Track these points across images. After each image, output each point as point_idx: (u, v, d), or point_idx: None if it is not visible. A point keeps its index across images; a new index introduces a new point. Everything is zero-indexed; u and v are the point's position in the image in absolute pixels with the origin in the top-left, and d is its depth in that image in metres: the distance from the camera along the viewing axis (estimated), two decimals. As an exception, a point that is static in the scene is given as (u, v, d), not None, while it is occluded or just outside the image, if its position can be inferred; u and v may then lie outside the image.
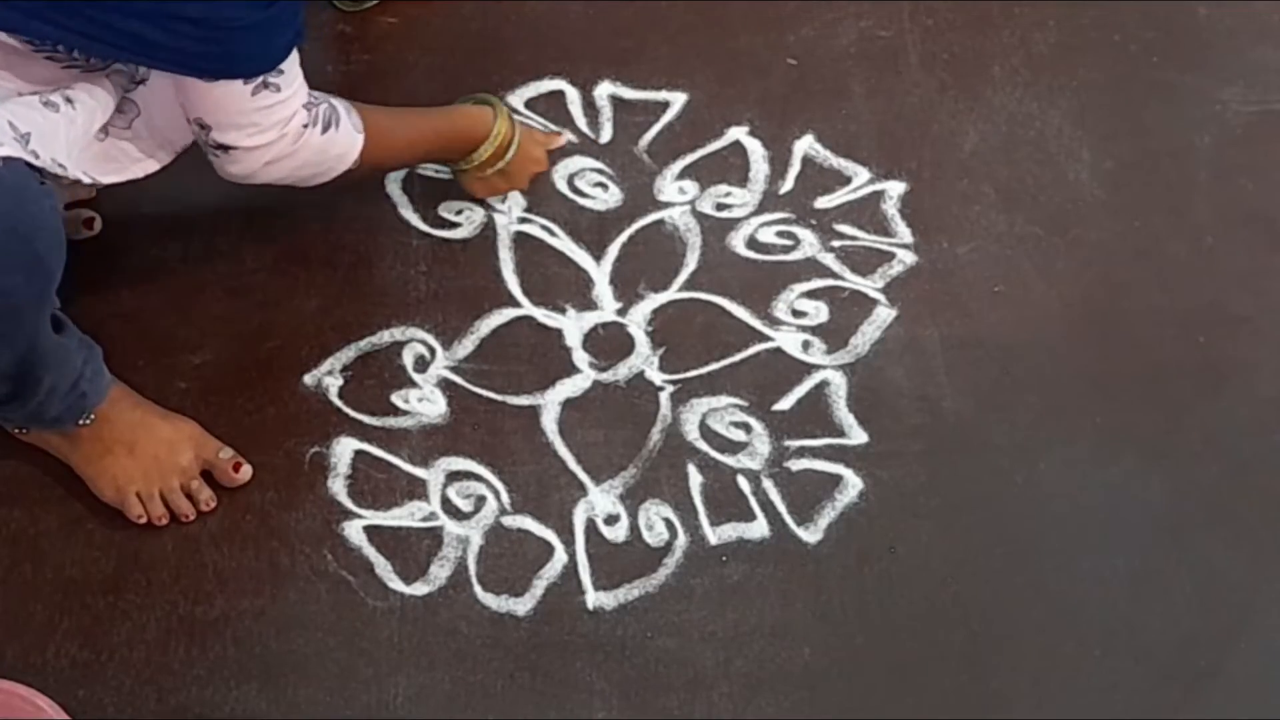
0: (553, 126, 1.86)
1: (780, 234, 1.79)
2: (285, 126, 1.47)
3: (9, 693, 1.33)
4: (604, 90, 1.90)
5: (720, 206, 1.81)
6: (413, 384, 1.66)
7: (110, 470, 1.52)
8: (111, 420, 1.51)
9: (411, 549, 1.55)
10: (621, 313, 1.72)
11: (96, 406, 1.50)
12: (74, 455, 1.53)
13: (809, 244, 1.78)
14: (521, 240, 1.77)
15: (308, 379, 1.65)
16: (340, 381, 1.65)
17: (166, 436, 1.54)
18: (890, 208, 1.81)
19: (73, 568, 1.52)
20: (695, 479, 1.61)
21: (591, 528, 1.57)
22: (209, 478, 1.56)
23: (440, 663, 1.48)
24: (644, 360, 1.69)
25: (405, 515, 1.57)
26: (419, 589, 1.53)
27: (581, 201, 1.81)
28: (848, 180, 1.84)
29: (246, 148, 1.46)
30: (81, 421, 1.50)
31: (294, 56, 1.44)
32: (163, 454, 1.53)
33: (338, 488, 1.58)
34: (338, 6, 1.94)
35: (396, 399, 1.64)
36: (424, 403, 1.64)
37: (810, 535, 1.57)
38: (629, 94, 1.90)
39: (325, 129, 1.52)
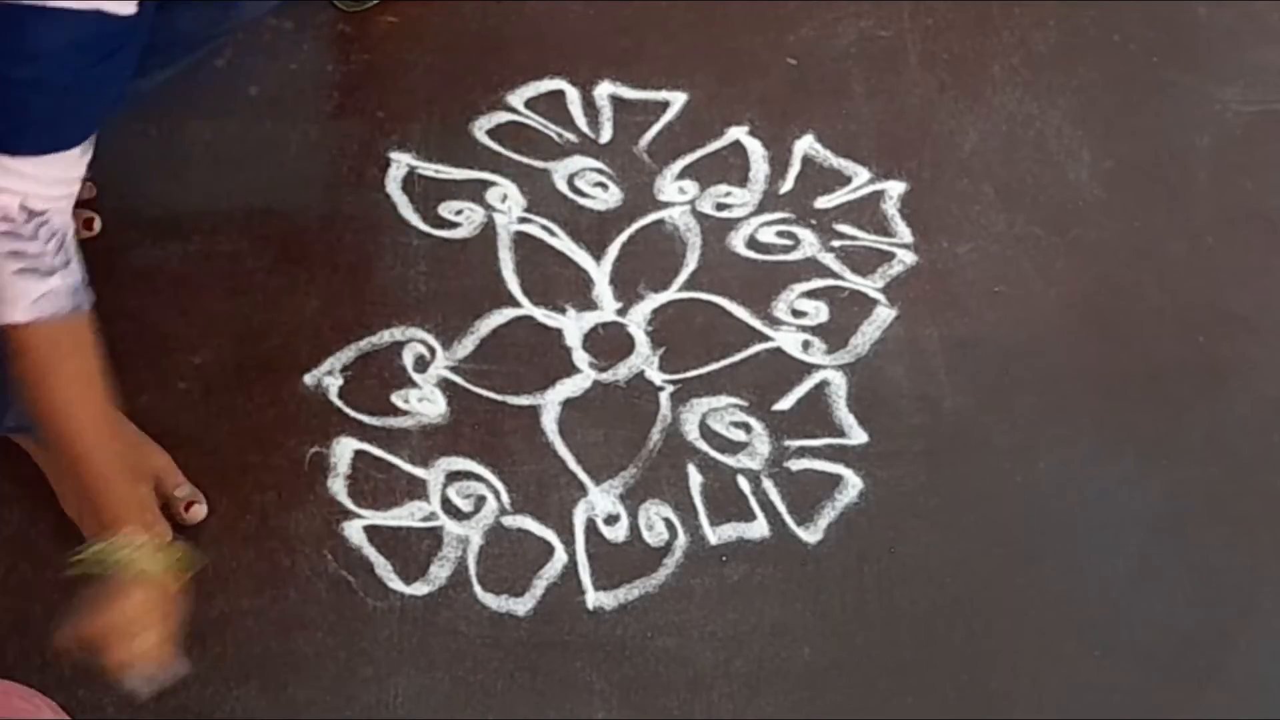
0: (553, 126, 1.86)
1: (780, 234, 1.79)
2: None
3: (9, 693, 1.33)
4: (604, 90, 1.90)
5: (720, 206, 1.81)
6: (413, 384, 1.66)
7: (74, 488, 1.49)
8: None
9: (411, 549, 1.55)
10: (621, 313, 1.72)
11: None
12: (48, 466, 1.53)
13: (809, 244, 1.78)
14: (521, 240, 1.77)
15: (308, 379, 1.65)
16: (340, 381, 1.65)
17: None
18: (890, 208, 1.81)
19: (73, 568, 1.52)
20: (695, 479, 1.61)
21: (591, 528, 1.57)
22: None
23: (440, 663, 1.48)
24: (644, 360, 1.69)
25: (405, 515, 1.57)
26: (419, 589, 1.53)
27: (581, 201, 1.81)
28: (848, 180, 1.84)
29: None
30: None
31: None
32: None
33: (338, 488, 1.58)
34: (338, 6, 1.94)
35: (396, 399, 1.64)
36: (424, 403, 1.64)
37: (810, 535, 1.57)
38: (629, 94, 1.90)
39: (21, 269, 1.20)
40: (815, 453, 1.63)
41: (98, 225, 1.72)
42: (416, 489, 1.59)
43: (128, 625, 1.27)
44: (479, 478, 1.60)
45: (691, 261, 1.76)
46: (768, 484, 1.61)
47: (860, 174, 1.84)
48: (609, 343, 1.70)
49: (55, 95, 1.18)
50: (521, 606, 1.52)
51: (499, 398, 1.65)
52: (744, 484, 1.61)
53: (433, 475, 1.60)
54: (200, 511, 1.54)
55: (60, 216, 1.23)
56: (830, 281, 1.75)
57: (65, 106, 1.20)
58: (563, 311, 1.72)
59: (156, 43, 1.34)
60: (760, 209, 1.81)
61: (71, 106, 1.20)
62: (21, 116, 1.17)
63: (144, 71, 1.36)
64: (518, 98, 1.88)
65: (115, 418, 1.51)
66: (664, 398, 1.66)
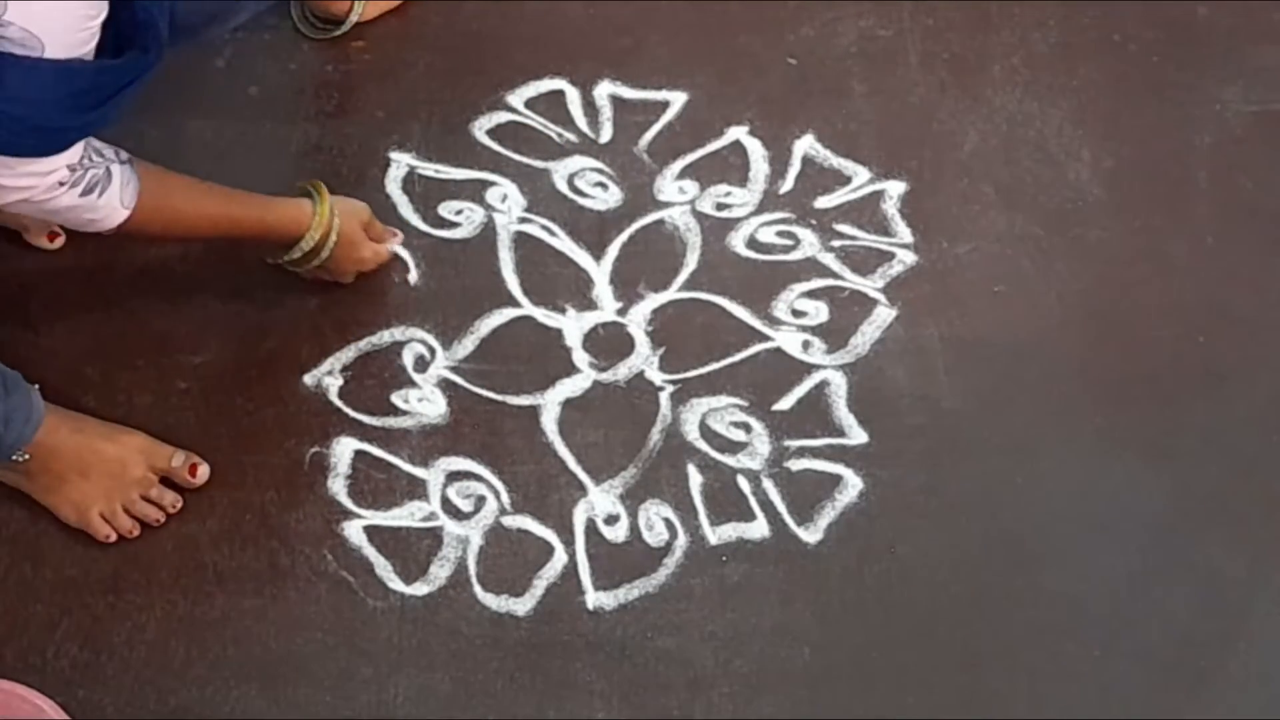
0: (553, 126, 1.86)
1: (780, 234, 1.79)
2: (39, 179, 1.38)
3: (9, 693, 1.33)
4: (604, 90, 1.90)
5: (720, 206, 1.81)
6: (413, 384, 1.66)
7: (69, 497, 1.52)
8: (56, 450, 1.50)
9: (411, 549, 1.55)
10: (621, 313, 1.72)
11: (23, 446, 1.48)
12: (30, 487, 1.53)
13: (809, 244, 1.78)
14: (521, 240, 1.77)
15: (308, 379, 1.65)
16: (340, 381, 1.65)
17: (115, 454, 1.52)
18: (890, 207, 1.81)
19: (73, 568, 1.52)
20: (695, 479, 1.61)
21: (591, 528, 1.57)
22: (170, 482, 1.55)
23: (440, 663, 1.48)
24: (644, 360, 1.69)
25: (405, 515, 1.57)
26: (419, 589, 1.53)
27: (581, 201, 1.81)
28: (848, 180, 1.84)
29: None
30: (16, 459, 1.49)
31: None
32: (116, 471, 1.52)
33: (338, 488, 1.58)
34: (306, 35, 1.91)
35: (396, 399, 1.64)
36: (424, 403, 1.64)
37: (810, 535, 1.57)
38: (629, 94, 1.90)
39: (86, 193, 1.42)
40: (815, 453, 1.63)
41: (60, 241, 1.71)
42: (416, 489, 1.59)
43: (362, 239, 1.67)
44: (479, 478, 1.60)
45: (691, 261, 1.76)
46: (768, 484, 1.61)
47: (860, 174, 1.84)
48: (609, 343, 1.70)
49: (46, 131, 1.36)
50: (521, 606, 1.52)
51: (499, 398, 1.65)
52: (744, 484, 1.60)
53: (433, 475, 1.60)
54: (204, 472, 1.56)
55: (90, 156, 1.42)
56: (830, 281, 1.75)
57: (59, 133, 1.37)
58: (563, 311, 1.72)
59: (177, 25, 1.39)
60: (760, 209, 1.81)
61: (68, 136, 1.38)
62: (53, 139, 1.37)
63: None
64: (518, 98, 1.88)
65: (80, 419, 1.52)
66: (664, 398, 1.66)
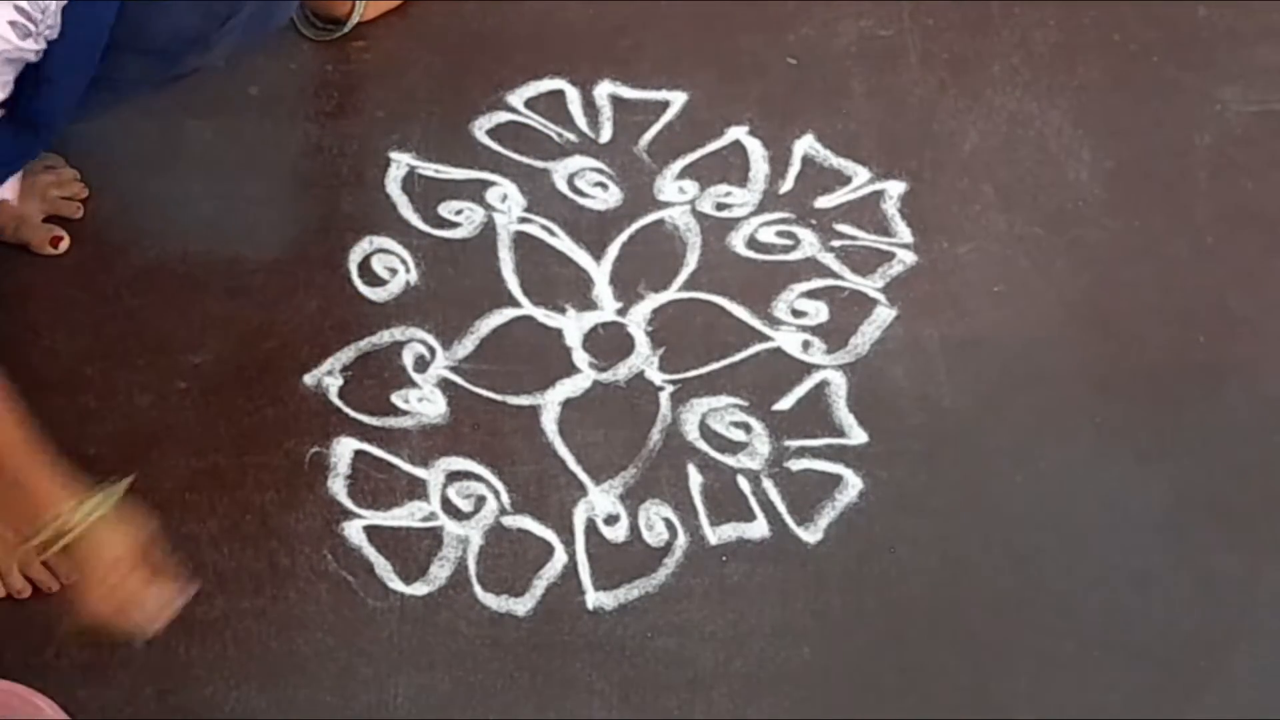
0: (553, 126, 1.86)
1: (780, 234, 1.79)
2: None
3: (9, 693, 1.33)
4: (604, 90, 1.90)
5: (720, 206, 1.81)
6: (413, 384, 1.66)
7: None
8: None
9: (411, 549, 1.55)
10: (621, 313, 1.72)
11: None
12: None
13: (809, 244, 1.78)
14: (521, 240, 1.77)
15: (308, 379, 1.65)
16: (340, 381, 1.65)
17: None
18: (890, 207, 1.81)
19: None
20: (695, 479, 1.61)
21: (591, 528, 1.57)
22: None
23: (440, 663, 1.48)
24: (644, 360, 1.69)
25: (405, 515, 1.57)
26: (419, 589, 1.53)
27: (581, 201, 1.81)
28: (848, 180, 1.84)
29: None
30: None
31: None
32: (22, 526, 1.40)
33: (338, 488, 1.58)
34: (308, 36, 1.91)
35: (396, 399, 1.64)
36: (424, 403, 1.64)
37: (810, 535, 1.57)
38: (629, 94, 1.90)
39: None
40: (815, 453, 1.63)
41: (64, 245, 1.71)
42: (416, 489, 1.59)
43: (121, 573, 1.29)
44: (479, 478, 1.60)
45: (691, 261, 1.76)
46: (768, 484, 1.61)
47: (860, 174, 1.84)
48: (609, 343, 1.70)
49: None
50: (521, 606, 1.52)
51: (499, 398, 1.65)
52: (744, 484, 1.61)
53: (433, 475, 1.60)
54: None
55: None
56: (830, 281, 1.75)
57: None
58: (563, 311, 1.72)
59: (103, 82, 1.36)
60: (760, 209, 1.81)
61: None
62: None
63: (87, 107, 1.40)
64: (518, 98, 1.88)
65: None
66: (664, 398, 1.66)
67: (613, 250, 1.76)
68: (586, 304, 1.72)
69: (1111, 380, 1.69)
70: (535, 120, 1.87)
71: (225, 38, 1.54)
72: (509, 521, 1.58)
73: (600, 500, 1.59)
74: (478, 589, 1.53)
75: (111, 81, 1.45)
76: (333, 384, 1.65)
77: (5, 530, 1.48)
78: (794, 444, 1.63)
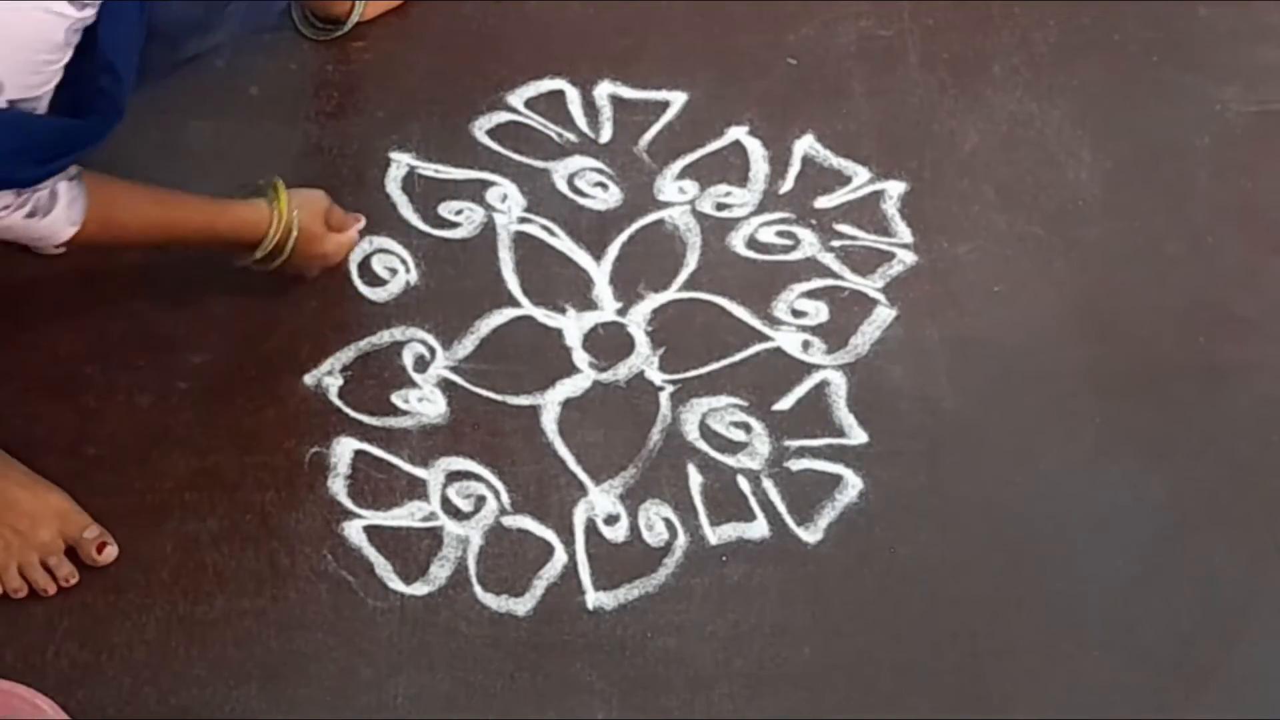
0: (553, 126, 1.86)
1: (780, 234, 1.79)
2: None
3: (9, 693, 1.33)
4: (604, 90, 1.90)
5: (720, 206, 1.81)
6: (413, 384, 1.66)
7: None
8: None
9: (411, 549, 1.55)
10: (621, 313, 1.72)
11: None
12: None
13: (809, 244, 1.78)
14: (521, 240, 1.77)
15: (308, 379, 1.65)
16: (340, 381, 1.65)
17: (28, 510, 1.49)
18: (890, 207, 1.81)
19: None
20: (695, 479, 1.61)
21: (591, 528, 1.57)
22: (74, 554, 1.50)
23: (440, 663, 1.48)
24: (644, 360, 1.69)
25: (405, 515, 1.57)
26: (419, 589, 1.53)
27: (581, 201, 1.81)
28: (848, 180, 1.84)
29: None
30: None
31: None
32: (24, 527, 1.48)
33: (338, 488, 1.58)
34: (307, 36, 1.91)
35: (396, 399, 1.64)
36: (424, 403, 1.64)
37: (810, 535, 1.57)
38: (629, 94, 1.90)
39: (30, 215, 1.40)
40: (815, 453, 1.63)
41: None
42: (416, 489, 1.59)
43: (321, 233, 1.64)
44: (479, 478, 1.60)
45: (691, 261, 1.76)
46: (768, 484, 1.61)
47: (860, 174, 1.84)
48: (609, 343, 1.70)
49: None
50: (521, 606, 1.52)
51: (499, 398, 1.65)
52: (744, 484, 1.60)
53: (433, 475, 1.60)
54: (112, 553, 1.51)
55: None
56: (830, 281, 1.75)
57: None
58: (563, 311, 1.72)
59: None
60: (760, 209, 1.81)
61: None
62: None
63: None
64: (518, 98, 1.88)
65: (8, 464, 1.51)
66: (664, 398, 1.66)
67: (613, 250, 1.76)
68: (586, 304, 1.72)
69: (1111, 380, 1.69)
70: (535, 120, 1.87)
71: (226, 22, 1.54)
72: (509, 521, 1.58)
73: (600, 500, 1.59)
74: (478, 589, 1.53)
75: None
76: (333, 384, 1.65)
77: (3, 530, 1.48)
78: (794, 444, 1.63)
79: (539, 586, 1.53)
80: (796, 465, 1.62)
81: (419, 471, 1.60)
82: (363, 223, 1.72)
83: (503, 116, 1.87)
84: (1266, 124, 1.91)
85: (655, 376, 1.68)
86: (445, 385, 1.66)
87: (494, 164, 1.83)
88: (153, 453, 1.59)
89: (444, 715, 1.46)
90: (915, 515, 1.59)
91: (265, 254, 1.60)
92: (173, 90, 1.77)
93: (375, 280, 1.73)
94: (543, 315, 1.71)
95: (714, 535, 1.57)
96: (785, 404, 1.66)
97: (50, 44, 1.29)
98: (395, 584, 1.53)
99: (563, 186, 1.81)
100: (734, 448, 1.63)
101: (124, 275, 1.70)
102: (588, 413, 1.65)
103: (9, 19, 1.26)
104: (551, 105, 1.88)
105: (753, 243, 1.78)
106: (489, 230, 1.78)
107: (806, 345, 1.70)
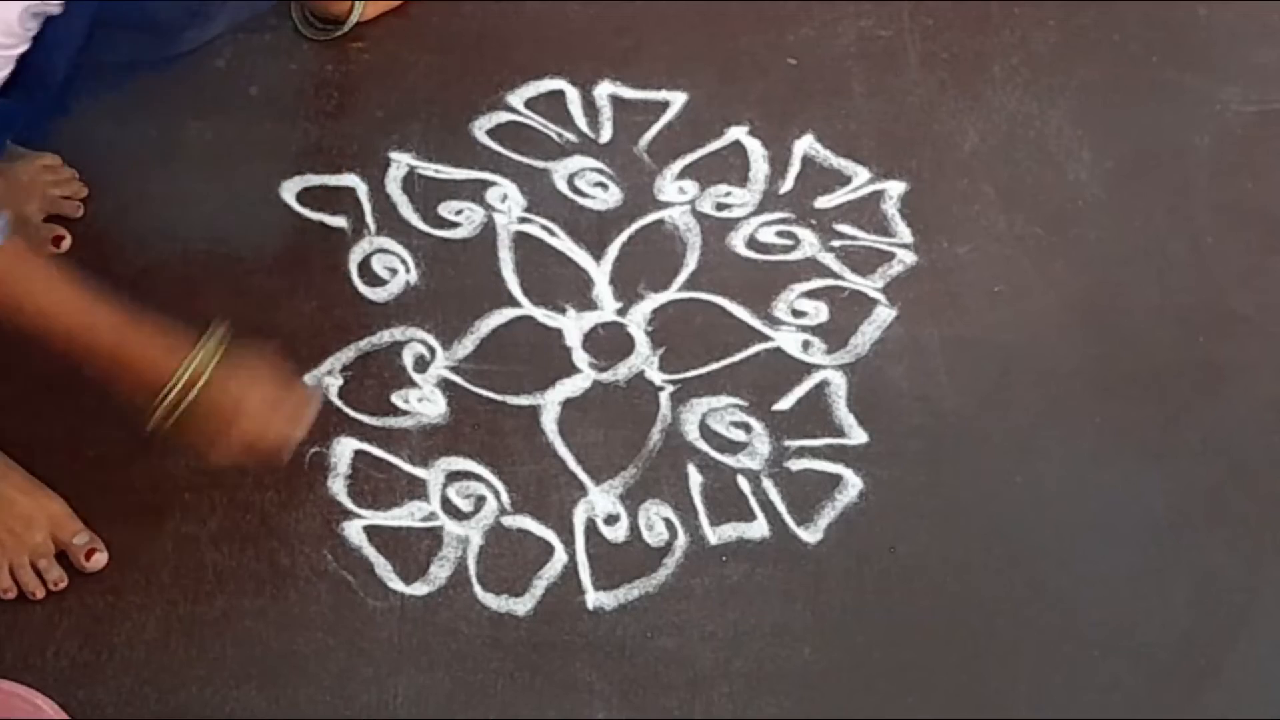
0: (553, 126, 1.86)
1: (780, 234, 1.79)
2: None
3: (9, 693, 1.33)
4: (604, 90, 1.90)
5: (720, 206, 1.81)
6: (413, 384, 1.66)
7: None
8: None
9: (411, 549, 1.55)
10: (621, 313, 1.72)
11: None
12: None
13: (809, 244, 1.78)
14: (521, 240, 1.77)
15: (308, 379, 1.65)
16: (340, 381, 1.65)
17: (23, 512, 1.49)
18: (890, 207, 1.81)
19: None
20: (695, 479, 1.61)
21: (591, 528, 1.57)
22: (64, 559, 1.50)
23: (440, 663, 1.48)
24: (644, 360, 1.69)
25: (405, 515, 1.57)
26: (419, 589, 1.53)
27: (581, 201, 1.81)
28: (848, 180, 1.84)
29: None
30: None
31: None
32: (18, 528, 1.48)
33: (338, 488, 1.58)
34: (307, 36, 1.91)
35: (396, 399, 1.64)
36: (424, 403, 1.64)
37: (810, 535, 1.57)
38: (629, 94, 1.90)
39: None
40: (815, 453, 1.63)
41: (66, 244, 1.71)
42: (416, 489, 1.59)
43: (257, 400, 1.39)
44: (479, 478, 1.60)
45: (691, 261, 1.76)
46: (768, 484, 1.61)
47: (860, 174, 1.84)
48: (609, 343, 1.70)
49: None
50: (521, 606, 1.52)
51: (499, 398, 1.65)
52: (744, 484, 1.60)
53: (433, 475, 1.60)
54: (101, 560, 1.50)
55: None
56: (830, 281, 1.75)
57: None
58: (563, 311, 1.72)
59: (95, 67, 1.35)
60: (760, 209, 1.81)
61: None
62: None
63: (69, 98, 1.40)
64: (518, 98, 1.88)
65: (8, 466, 1.51)
66: (664, 398, 1.66)
67: (613, 250, 1.76)
68: (586, 304, 1.72)
69: (1111, 380, 1.69)
70: (535, 120, 1.87)
71: (220, 15, 1.54)
72: (509, 521, 1.58)
73: (600, 500, 1.59)
74: (478, 589, 1.53)
75: (105, 65, 1.44)
76: (333, 384, 1.65)
77: (29, 528, 1.49)
78: (794, 444, 1.63)
79: (539, 586, 1.53)
80: (796, 465, 1.62)
81: (419, 471, 1.60)
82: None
83: (503, 116, 1.87)
84: (1266, 124, 1.91)
85: (655, 376, 1.68)
86: (445, 385, 1.66)
87: (494, 164, 1.83)
88: (153, 453, 1.59)
89: (444, 715, 1.46)
90: (915, 515, 1.59)
91: (161, 409, 1.36)
92: (173, 90, 1.77)
93: (375, 280, 1.73)
94: (543, 315, 1.71)
95: (714, 535, 1.57)
96: (785, 404, 1.66)
97: (3, 24, 1.26)
98: (395, 584, 1.53)
99: (563, 186, 1.81)
100: (734, 448, 1.63)
101: (124, 275, 1.70)
102: (588, 413, 1.65)
103: None
104: (551, 105, 1.88)
105: (753, 243, 1.78)
106: (489, 230, 1.78)
107: (806, 345, 1.70)
